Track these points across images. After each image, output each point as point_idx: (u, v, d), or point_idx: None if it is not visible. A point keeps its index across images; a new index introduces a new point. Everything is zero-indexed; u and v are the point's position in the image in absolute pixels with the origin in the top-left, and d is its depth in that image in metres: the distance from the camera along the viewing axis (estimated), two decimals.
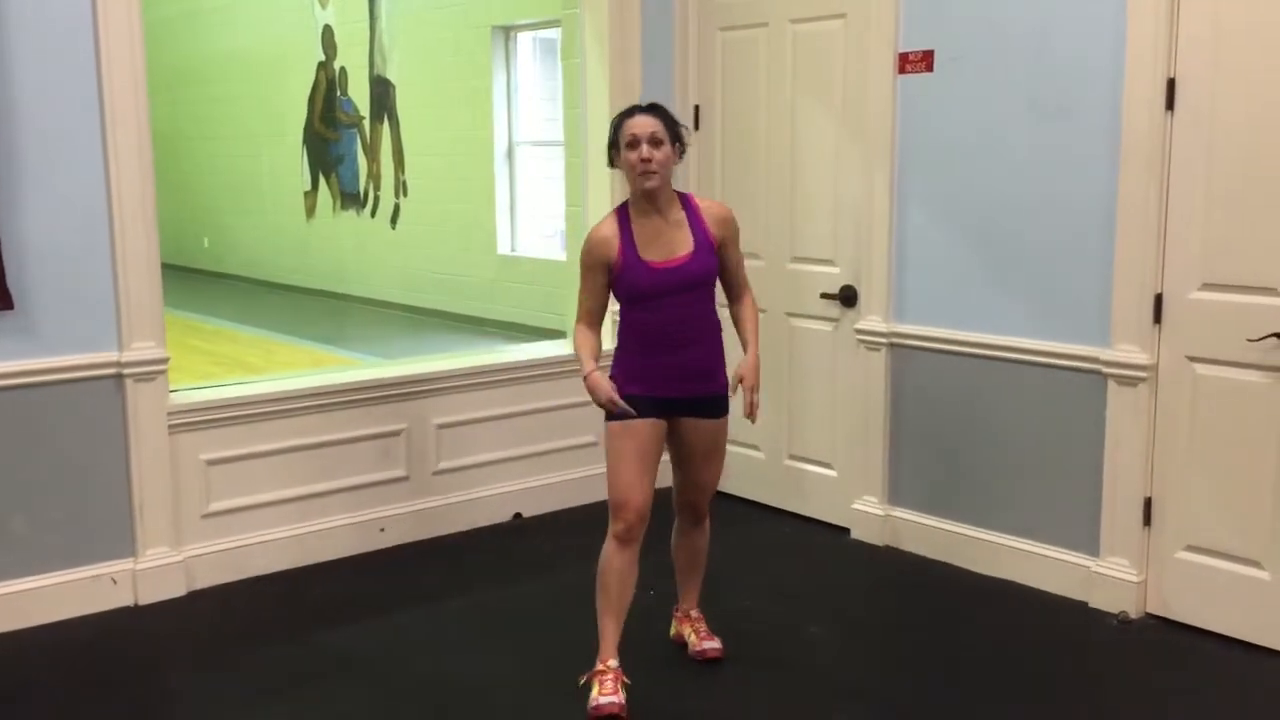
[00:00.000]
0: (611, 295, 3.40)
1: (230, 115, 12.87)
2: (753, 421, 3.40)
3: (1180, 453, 3.76)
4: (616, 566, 3.31)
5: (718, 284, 3.44)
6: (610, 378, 3.35)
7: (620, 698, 3.23)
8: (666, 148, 3.28)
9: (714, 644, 3.62)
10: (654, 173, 3.27)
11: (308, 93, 11.58)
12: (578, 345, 3.39)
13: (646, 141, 3.25)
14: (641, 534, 3.33)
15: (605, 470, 3.38)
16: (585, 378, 3.29)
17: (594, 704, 3.23)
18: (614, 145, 3.34)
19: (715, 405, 3.43)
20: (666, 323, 3.31)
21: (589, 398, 3.36)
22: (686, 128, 3.42)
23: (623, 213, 3.36)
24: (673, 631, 3.72)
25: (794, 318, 4.86)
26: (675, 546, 3.65)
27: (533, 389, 4.95)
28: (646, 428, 3.33)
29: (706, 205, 3.43)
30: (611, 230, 3.33)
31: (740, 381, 3.37)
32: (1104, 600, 3.94)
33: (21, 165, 3.72)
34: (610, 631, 3.32)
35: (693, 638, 3.64)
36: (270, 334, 9.98)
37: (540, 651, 3.71)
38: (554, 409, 4.98)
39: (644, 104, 3.41)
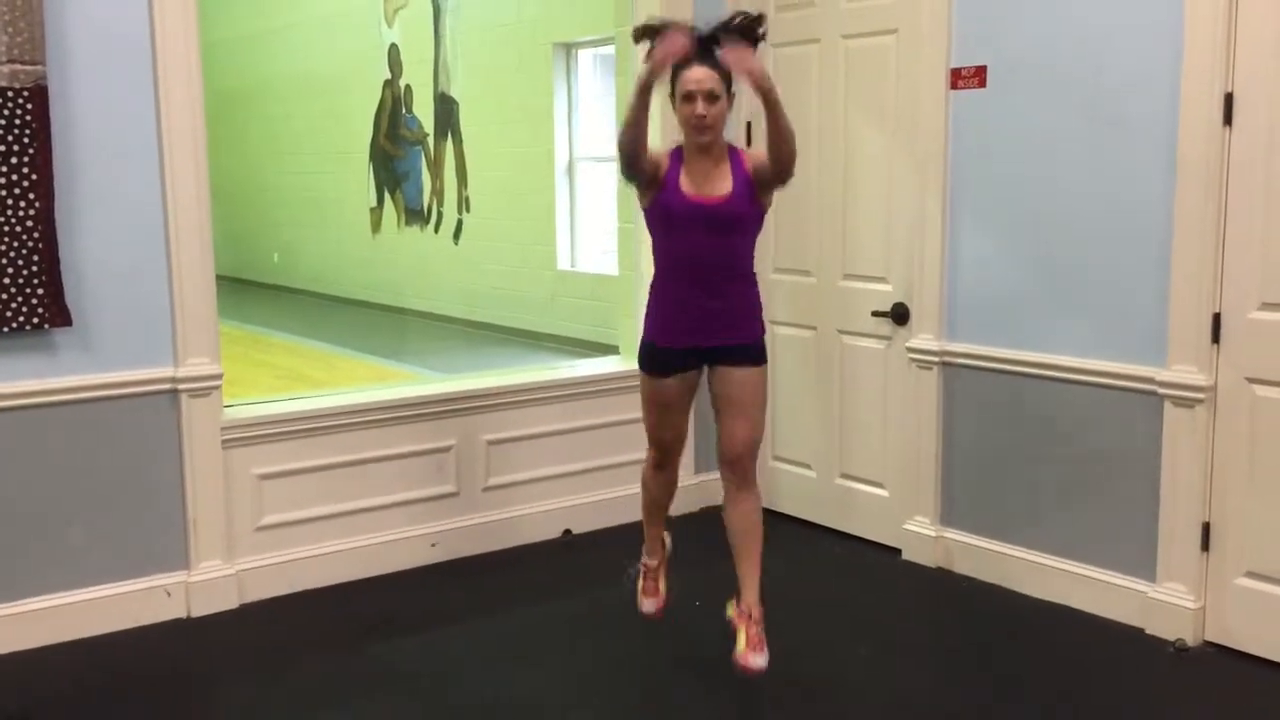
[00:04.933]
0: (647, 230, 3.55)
1: (299, 132, 13.08)
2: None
3: (1240, 476, 3.66)
4: (652, 484, 3.75)
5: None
6: (643, 340, 3.56)
7: (657, 603, 3.82)
8: (722, 103, 3.36)
9: (759, 660, 3.34)
10: (708, 128, 3.34)
11: (374, 110, 11.74)
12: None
13: (703, 98, 3.32)
14: (675, 462, 3.71)
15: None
16: (644, 65, 3.21)
17: (640, 605, 3.84)
18: (671, 89, 3.40)
19: (745, 353, 3.48)
20: (695, 259, 3.40)
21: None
22: (755, 22, 3.28)
23: (676, 154, 3.47)
24: (730, 613, 3.52)
25: (846, 335, 4.82)
26: (726, 519, 3.54)
27: (583, 405, 4.96)
28: (668, 387, 3.53)
29: (751, 151, 3.54)
30: (664, 155, 3.45)
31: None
32: (1161, 627, 3.85)
33: (80, 185, 3.80)
34: (654, 529, 3.79)
35: (741, 641, 3.38)
36: (333, 348, 10.10)
37: (589, 668, 3.71)
38: (605, 426, 4.99)
39: (702, 34, 3.33)
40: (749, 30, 3.30)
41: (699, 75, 3.32)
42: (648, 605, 3.83)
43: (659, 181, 3.42)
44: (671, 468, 3.71)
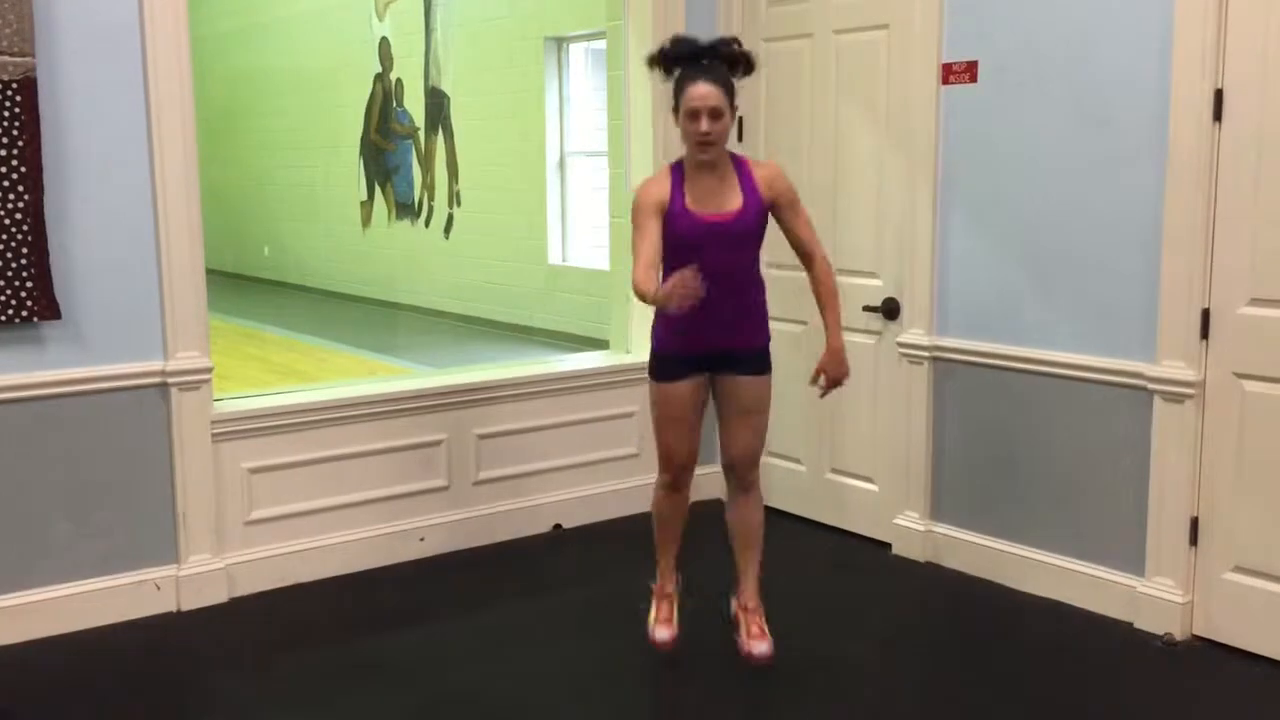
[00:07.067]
0: None
1: (290, 127, 13.06)
2: (820, 395, 3.64)
3: (1228, 471, 3.68)
4: (666, 508, 3.62)
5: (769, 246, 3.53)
6: (652, 341, 3.53)
7: (672, 631, 3.60)
8: (725, 119, 3.34)
9: (763, 647, 3.52)
10: (712, 144, 3.33)
11: (364, 104, 11.73)
12: (640, 282, 3.22)
13: (707, 115, 3.30)
14: (688, 480, 3.61)
15: (653, 443, 3.65)
16: (657, 296, 3.16)
17: (651, 633, 3.62)
18: (675, 104, 3.39)
19: (752, 362, 3.53)
20: (707, 275, 3.21)
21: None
22: (750, 55, 3.40)
23: (677, 169, 3.44)
24: (731, 611, 3.68)
25: None
26: (728, 520, 3.70)
27: (574, 400, 4.95)
28: (683, 393, 3.49)
29: (756, 166, 3.50)
30: (664, 180, 3.41)
31: (821, 374, 3.55)
32: (1149, 621, 3.86)
33: (70, 178, 3.79)
34: (667, 559, 3.64)
35: (743, 633, 3.58)
36: (324, 342, 10.10)
37: (579, 662, 3.71)
38: (595, 420, 4.98)
39: (704, 48, 3.37)
40: (740, 59, 3.38)
41: (703, 92, 3.30)
42: (662, 633, 3.62)
43: (667, 209, 3.38)
44: (684, 489, 3.62)
